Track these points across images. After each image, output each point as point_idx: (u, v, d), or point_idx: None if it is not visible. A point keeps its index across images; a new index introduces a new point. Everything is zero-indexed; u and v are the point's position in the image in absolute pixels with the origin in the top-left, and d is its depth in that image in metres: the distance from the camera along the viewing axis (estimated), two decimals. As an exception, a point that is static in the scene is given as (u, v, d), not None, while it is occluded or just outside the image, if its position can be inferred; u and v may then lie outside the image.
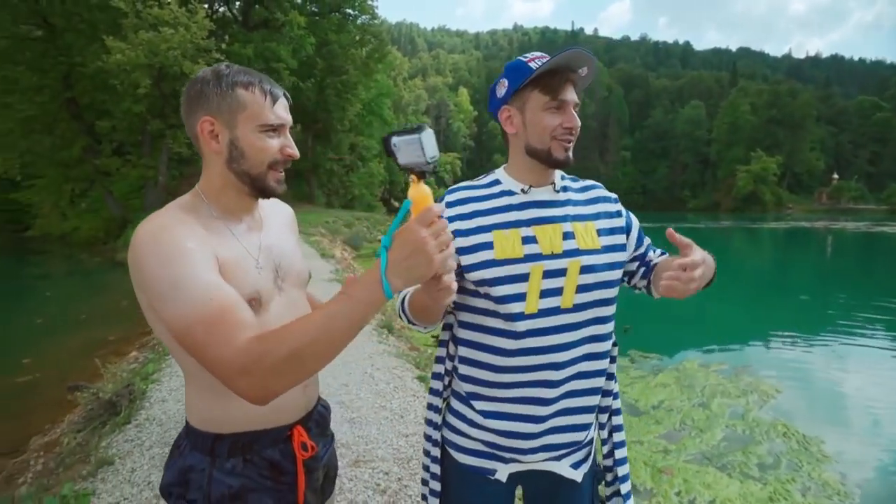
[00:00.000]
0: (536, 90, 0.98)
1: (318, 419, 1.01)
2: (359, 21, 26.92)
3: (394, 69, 45.34)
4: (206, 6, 20.02)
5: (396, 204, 55.00)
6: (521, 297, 0.96)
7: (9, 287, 11.67)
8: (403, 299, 1.06)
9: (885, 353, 6.63)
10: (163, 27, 14.55)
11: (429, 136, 0.72)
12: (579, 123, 1.00)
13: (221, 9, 23.40)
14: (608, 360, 1.05)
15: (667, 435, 3.72)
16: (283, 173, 0.90)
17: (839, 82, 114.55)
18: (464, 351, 1.05)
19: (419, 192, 0.72)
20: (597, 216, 1.06)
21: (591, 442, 1.09)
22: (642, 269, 1.13)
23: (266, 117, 0.84)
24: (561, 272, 0.97)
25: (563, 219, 1.01)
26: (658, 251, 1.17)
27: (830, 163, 71.31)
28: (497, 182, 1.07)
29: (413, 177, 0.72)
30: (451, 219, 1.02)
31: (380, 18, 28.98)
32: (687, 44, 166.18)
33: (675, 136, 79.81)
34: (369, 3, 25.89)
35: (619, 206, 1.12)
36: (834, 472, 3.35)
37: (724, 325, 8.16)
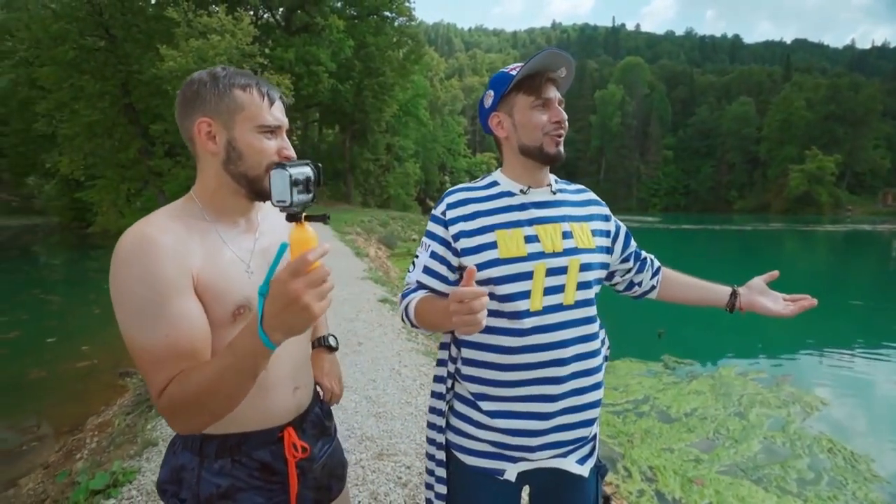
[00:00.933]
0: (521, 93, 1.03)
1: (314, 420, 1.01)
2: (396, 23, 27.29)
3: (430, 70, 45.63)
4: (250, 13, 20.89)
5: (431, 204, 55.40)
6: (525, 294, 0.99)
7: (72, 279, 12.64)
8: (407, 306, 1.06)
9: None
10: (211, 34, 15.31)
11: (279, 177, 0.66)
12: (565, 116, 1.04)
13: (265, 15, 24.32)
14: (602, 358, 1.09)
15: (699, 444, 3.61)
16: None
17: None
18: (467, 352, 1.06)
19: (300, 236, 0.66)
20: (590, 217, 1.11)
21: (595, 437, 1.10)
22: (637, 265, 1.22)
23: (264, 118, 0.84)
24: (562, 269, 1.01)
25: (562, 219, 1.05)
26: (642, 253, 1.25)
27: (896, 161, 65.83)
28: (495, 183, 1.10)
29: (299, 220, 0.67)
30: (454, 220, 1.05)
31: (417, 20, 29.24)
32: (736, 37, 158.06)
33: (721, 135, 76.08)
34: (407, 4, 26.20)
35: (608, 211, 1.18)
36: (883, 493, 3.15)
37: (768, 333, 7.75)
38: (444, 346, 1.13)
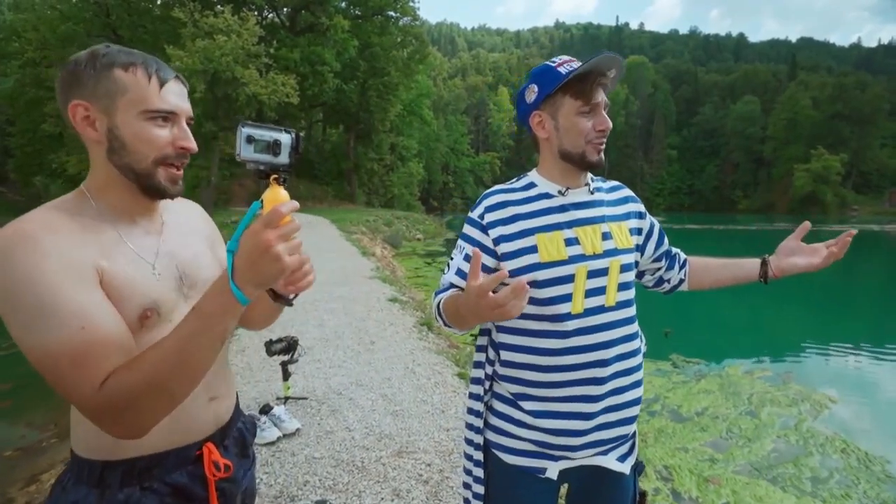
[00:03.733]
0: (568, 95, 1.00)
1: (236, 436, 0.91)
2: (400, 23, 27.34)
3: (434, 69, 45.65)
4: (255, 13, 20.96)
5: (434, 203, 55.31)
6: (567, 297, 0.99)
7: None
8: (440, 304, 1.06)
9: None
10: (217, 35, 15.38)
11: (237, 133, 0.67)
12: (611, 125, 1.02)
13: (270, 15, 24.41)
14: (641, 356, 1.10)
15: (713, 443, 3.61)
16: (179, 171, 0.78)
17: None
18: (506, 355, 1.06)
19: (272, 195, 0.68)
20: (627, 216, 1.11)
21: (634, 434, 1.12)
22: (667, 262, 1.22)
23: (151, 102, 0.73)
24: (603, 271, 1.02)
25: (601, 219, 1.05)
26: (672, 249, 1.25)
27: (903, 161, 65.29)
28: (533, 185, 1.08)
29: (272, 179, 0.69)
30: (493, 224, 1.04)
31: (421, 20, 29.29)
32: (741, 36, 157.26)
33: (725, 134, 75.77)
34: (411, 4, 26.24)
35: (643, 208, 1.18)
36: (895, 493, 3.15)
37: (774, 333, 7.73)
38: (480, 349, 1.13)
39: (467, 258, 1.05)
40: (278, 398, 2.94)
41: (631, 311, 1.06)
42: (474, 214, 1.07)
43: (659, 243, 1.20)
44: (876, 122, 62.81)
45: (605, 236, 1.04)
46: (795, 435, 3.81)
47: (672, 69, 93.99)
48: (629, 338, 1.05)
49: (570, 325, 0.99)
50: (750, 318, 8.65)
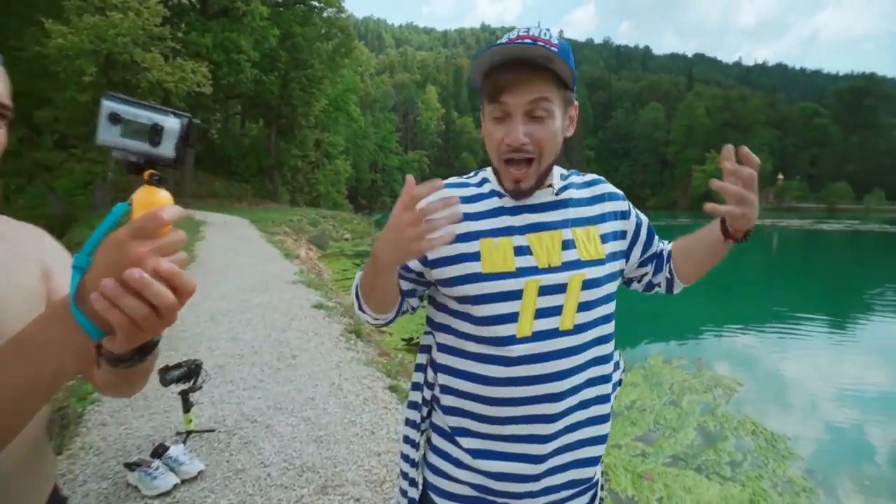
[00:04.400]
0: (484, 93, 0.82)
1: None
2: (325, 14, 26.24)
3: (360, 65, 44.54)
4: (159, -8, 18.93)
5: (362, 202, 54.08)
6: (512, 317, 0.82)
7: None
8: (357, 283, 0.89)
9: (828, 343, 7.04)
10: (111, 11, 13.61)
11: (100, 109, 0.49)
12: (522, 140, 0.78)
13: (177, -5, 22.21)
14: (610, 384, 0.91)
15: (643, 437, 3.70)
16: None
17: (783, 89, 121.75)
18: (444, 379, 0.89)
19: (146, 197, 0.50)
20: (602, 218, 0.91)
21: (597, 482, 0.96)
22: (655, 263, 1.01)
23: None
24: (559, 288, 0.83)
25: (563, 224, 0.86)
26: (665, 242, 1.05)
27: (776, 164, 75.55)
28: (486, 181, 0.91)
29: (146, 175, 0.50)
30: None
31: (346, 12, 28.34)
32: (647, 48, 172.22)
33: (635, 137, 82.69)
34: (335, -5, 25.27)
35: (626, 205, 0.96)
36: (799, 470, 3.41)
37: (679, 320, 8.36)
38: (419, 368, 0.95)
39: None
40: (178, 433, 2.50)
41: (596, 333, 0.87)
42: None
43: (646, 246, 0.99)
44: (755, 130, 72.30)
45: (567, 245, 0.85)
46: (713, 420, 4.03)
47: (588, 75, 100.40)
48: (591, 363, 0.87)
49: (516, 350, 0.81)
50: (654, 307, 9.28)
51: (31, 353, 0.47)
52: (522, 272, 0.82)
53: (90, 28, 13.13)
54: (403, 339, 5.77)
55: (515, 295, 0.82)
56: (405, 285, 0.90)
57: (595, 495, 0.95)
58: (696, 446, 3.60)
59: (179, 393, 2.42)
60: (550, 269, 0.83)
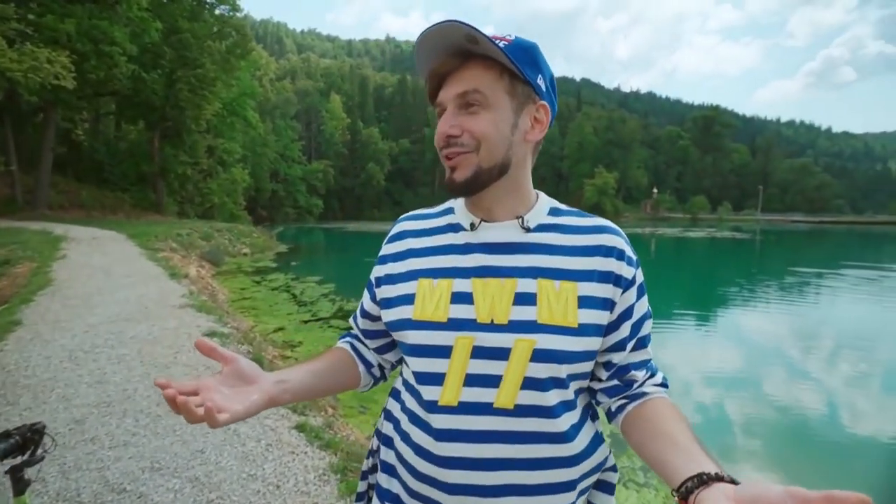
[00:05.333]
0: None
1: None
2: (217, 11, 24.29)
3: (259, 68, 41.96)
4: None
5: (262, 213, 50.62)
6: (438, 378, 0.66)
7: None
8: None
9: (696, 332, 8.04)
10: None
11: None
12: (454, 130, 0.67)
13: (27, -28, 18.97)
14: (577, 493, 0.68)
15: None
16: None
17: (653, 114, 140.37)
18: (386, 453, 0.76)
19: None
20: (588, 275, 0.68)
21: None
22: (612, 378, 0.71)
23: None
24: (500, 353, 0.64)
25: (525, 272, 0.67)
26: (650, 374, 0.73)
27: (651, 179, 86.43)
28: (449, 211, 0.78)
29: None
30: (384, 259, 0.79)
31: (243, 11, 26.53)
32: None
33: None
34: (229, -8, 23.52)
35: (631, 273, 0.70)
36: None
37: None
38: (377, 432, 0.83)
39: (371, 291, 0.82)
40: (9, 520, 1.91)
41: (549, 425, 0.65)
42: (385, 239, 0.83)
43: (620, 344, 0.69)
44: (633, 148, 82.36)
45: (523, 299, 0.66)
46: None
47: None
48: (537, 466, 0.64)
49: (437, 420, 0.65)
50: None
51: None
52: (455, 325, 0.66)
53: None
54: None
55: (444, 352, 0.66)
56: (372, 343, 0.84)
57: None
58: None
59: (8, 471, 1.85)
60: (492, 327, 0.65)
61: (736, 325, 9.06)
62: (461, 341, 0.65)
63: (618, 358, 0.70)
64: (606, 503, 0.74)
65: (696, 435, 0.60)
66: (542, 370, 0.64)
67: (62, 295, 6.07)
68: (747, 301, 11.23)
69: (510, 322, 0.65)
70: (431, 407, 0.66)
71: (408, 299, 0.71)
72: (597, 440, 0.72)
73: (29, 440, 1.92)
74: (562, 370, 0.65)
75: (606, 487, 0.74)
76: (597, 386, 0.73)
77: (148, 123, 24.01)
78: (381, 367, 0.86)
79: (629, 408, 0.70)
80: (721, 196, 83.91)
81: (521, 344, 0.64)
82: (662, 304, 10.53)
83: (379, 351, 0.85)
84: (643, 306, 0.72)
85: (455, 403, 0.64)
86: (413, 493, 0.68)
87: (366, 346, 0.85)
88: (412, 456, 0.68)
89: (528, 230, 0.71)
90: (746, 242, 31.92)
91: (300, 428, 2.84)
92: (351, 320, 0.88)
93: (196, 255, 13.17)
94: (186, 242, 14.25)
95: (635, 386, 0.71)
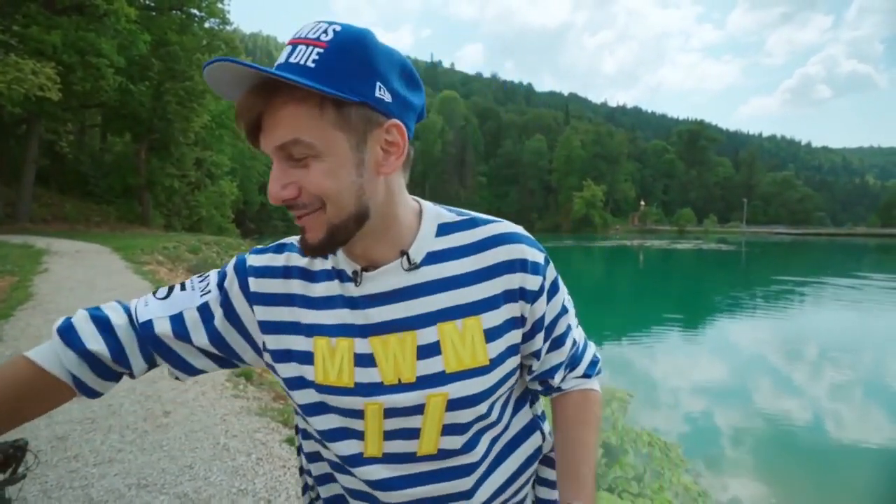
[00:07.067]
0: None
1: None
2: (206, 24, 24.33)
3: (248, 81, 41.96)
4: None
5: (251, 226, 50.29)
6: (357, 434, 0.63)
7: None
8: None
9: (685, 342, 8.09)
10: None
11: None
12: (289, 194, 0.54)
13: (13, -17, 18.86)
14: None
15: (554, 461, 3.73)
16: None
17: (640, 128, 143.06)
18: (317, 470, 0.73)
19: None
20: (492, 303, 0.62)
21: None
22: (533, 378, 0.72)
23: None
24: (414, 410, 0.61)
25: (422, 321, 0.61)
26: (570, 369, 0.73)
27: (638, 192, 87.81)
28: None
29: None
30: (258, 298, 0.65)
31: (232, 25, 26.64)
32: (529, 85, 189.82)
33: (523, 165, 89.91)
34: (220, 6, 23.58)
35: (538, 282, 0.64)
36: (689, 475, 3.70)
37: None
38: (299, 450, 0.77)
39: (204, 315, 0.67)
40: (-12, 542, 1.84)
41: (475, 456, 0.64)
42: (243, 265, 0.68)
43: (536, 354, 0.68)
44: (620, 161, 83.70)
45: (426, 351, 0.61)
46: (615, 435, 4.24)
47: (479, 106, 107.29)
48: (466, 497, 0.64)
49: (365, 472, 0.63)
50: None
51: None
52: (362, 390, 0.61)
53: None
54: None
55: (356, 413, 0.62)
56: (155, 351, 0.67)
57: None
58: (603, 464, 3.72)
59: (-10, 489, 1.79)
60: (400, 387, 0.61)
61: (724, 333, 9.18)
62: (371, 407, 0.61)
63: (536, 365, 0.69)
64: (550, 496, 0.75)
65: (594, 441, 0.70)
66: (461, 416, 0.62)
67: (43, 309, 5.92)
68: (735, 310, 11.40)
69: (418, 379, 0.61)
70: (355, 460, 0.63)
71: (304, 357, 0.63)
72: (531, 428, 0.73)
73: (10, 457, 1.86)
74: (482, 406, 0.63)
75: (546, 483, 0.75)
76: (525, 377, 0.72)
77: (134, 135, 23.80)
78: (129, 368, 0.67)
79: (549, 396, 0.75)
80: (707, 208, 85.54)
81: (434, 399, 0.61)
82: (651, 313, 10.66)
83: (154, 362, 0.69)
84: (556, 307, 0.68)
85: (380, 455, 0.63)
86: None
87: (124, 349, 0.65)
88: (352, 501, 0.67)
89: (415, 266, 0.62)
90: (732, 254, 32.52)
91: (291, 441, 2.79)
92: (131, 314, 0.67)
93: (183, 268, 12.98)
94: (173, 255, 14.05)
95: (553, 386, 0.72)
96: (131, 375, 0.68)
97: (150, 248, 13.55)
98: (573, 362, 0.73)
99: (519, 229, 0.67)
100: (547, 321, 0.66)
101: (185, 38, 22.46)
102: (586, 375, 0.74)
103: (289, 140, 0.52)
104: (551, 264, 0.68)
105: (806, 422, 4.87)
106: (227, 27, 25.69)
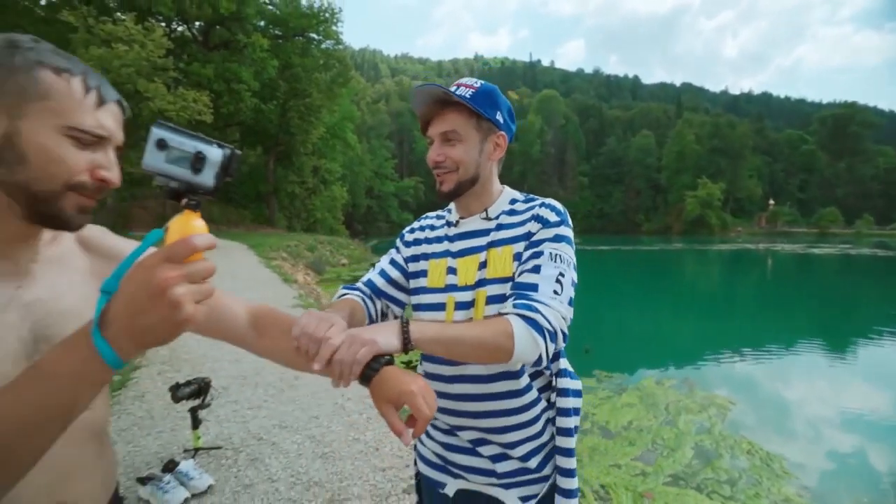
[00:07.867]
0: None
1: None
2: (323, 46, 27.04)
3: (357, 94, 45.58)
4: (163, 25, 19.55)
5: (358, 227, 54.40)
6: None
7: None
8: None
9: (824, 365, 7.07)
10: (116, 43, 14.04)
11: (149, 136, 0.51)
12: (440, 158, 0.98)
13: (180, 28, 22.89)
14: (519, 398, 0.98)
15: (642, 456, 3.74)
16: (92, 201, 0.62)
17: (769, 117, 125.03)
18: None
19: (183, 224, 0.50)
20: (522, 237, 0.96)
21: (546, 479, 1.02)
22: (511, 287, 0.94)
23: (80, 118, 0.58)
24: (468, 304, 0.98)
25: (483, 248, 1.00)
26: (522, 298, 0.91)
27: (766, 190, 76.91)
28: (448, 210, 1.12)
29: (184, 203, 0.52)
30: (408, 243, 1.12)
31: (344, 44, 29.22)
32: (636, 78, 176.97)
33: (628, 163, 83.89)
34: (334, 28, 26.09)
35: (538, 227, 0.95)
36: (793, 487, 3.45)
37: (675, 342, 8.44)
38: None
39: (393, 262, 1.12)
40: (186, 450, 2.54)
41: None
42: (406, 230, 1.17)
43: (519, 257, 0.95)
44: (744, 156, 73.62)
45: (482, 265, 0.99)
46: (710, 439, 4.08)
47: (580, 104, 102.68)
48: (496, 380, 0.97)
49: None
50: (652, 330, 9.37)
51: (45, 381, 0.46)
52: (448, 289, 1.00)
53: (96, 59, 13.51)
54: (402, 363, 5.81)
55: (441, 307, 1.00)
56: (379, 302, 1.09)
57: (542, 490, 1.00)
58: (693, 465, 3.64)
59: (189, 410, 2.47)
60: (465, 287, 0.99)
61: (882, 359, 7.70)
62: (450, 299, 0.99)
63: (517, 274, 0.93)
64: (568, 465, 0.99)
65: (469, 331, 0.84)
66: (495, 310, 0.93)
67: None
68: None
69: (476, 282, 0.98)
70: None
71: (421, 274, 1.06)
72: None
73: (202, 389, 2.54)
74: (507, 305, 0.89)
75: (564, 452, 0.99)
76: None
77: (265, 148, 27.35)
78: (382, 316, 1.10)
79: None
80: (859, 207, 71.53)
81: (480, 294, 0.96)
82: (782, 331, 9.32)
83: (383, 308, 1.11)
84: (552, 246, 0.92)
85: None
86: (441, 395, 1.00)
87: (373, 302, 1.08)
88: (431, 381, 1.01)
89: (489, 219, 1.03)
90: (894, 260, 26.97)
91: (394, 408, 3.25)
92: (362, 283, 1.10)
93: (302, 264, 14.72)
94: (294, 253, 15.98)
95: (508, 305, 0.90)
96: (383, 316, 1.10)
97: (276, 246, 15.55)
98: (527, 295, 0.89)
99: (552, 202, 1.01)
100: (537, 241, 0.94)
101: (306, 59, 25.23)
102: (517, 307, 0.87)
103: (449, 129, 0.97)
104: (562, 226, 0.96)
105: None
106: (340, 46, 28.28)
